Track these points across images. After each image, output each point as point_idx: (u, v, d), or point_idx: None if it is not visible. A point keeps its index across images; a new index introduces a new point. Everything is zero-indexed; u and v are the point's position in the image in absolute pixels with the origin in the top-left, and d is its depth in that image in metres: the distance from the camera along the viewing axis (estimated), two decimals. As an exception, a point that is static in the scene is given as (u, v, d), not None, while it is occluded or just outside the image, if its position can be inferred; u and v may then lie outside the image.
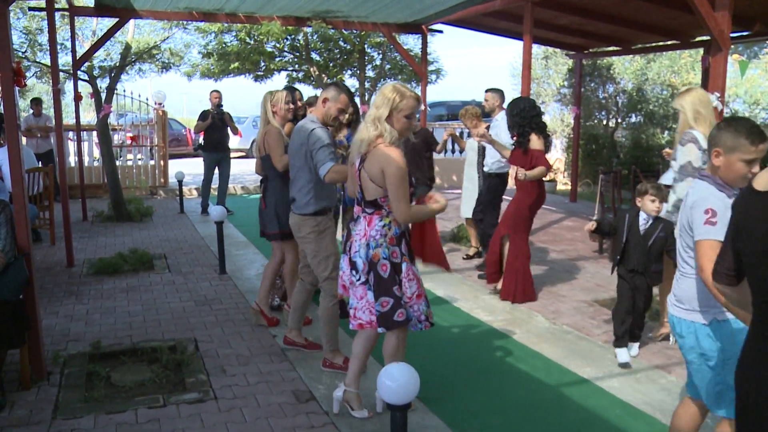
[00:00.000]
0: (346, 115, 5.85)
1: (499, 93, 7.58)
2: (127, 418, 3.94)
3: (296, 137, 4.49)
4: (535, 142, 6.09)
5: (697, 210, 2.83)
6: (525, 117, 6.15)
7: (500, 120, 7.21)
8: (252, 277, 7.18)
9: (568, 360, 4.96)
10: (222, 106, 10.93)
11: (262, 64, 15.14)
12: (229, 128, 11.01)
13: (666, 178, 5.64)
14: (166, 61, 14.89)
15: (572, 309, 6.18)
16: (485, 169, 7.52)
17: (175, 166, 14.66)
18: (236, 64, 14.86)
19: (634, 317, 4.95)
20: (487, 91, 7.61)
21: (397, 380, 2.70)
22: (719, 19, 6.40)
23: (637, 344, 5.11)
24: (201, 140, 11.18)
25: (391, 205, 3.58)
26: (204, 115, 10.86)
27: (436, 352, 5.13)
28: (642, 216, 4.92)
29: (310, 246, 4.54)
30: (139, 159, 14.24)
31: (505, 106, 7.29)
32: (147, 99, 14.99)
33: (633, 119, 17.92)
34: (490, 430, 3.91)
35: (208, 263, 7.78)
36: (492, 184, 7.45)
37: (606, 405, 4.25)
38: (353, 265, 3.73)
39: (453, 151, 15.72)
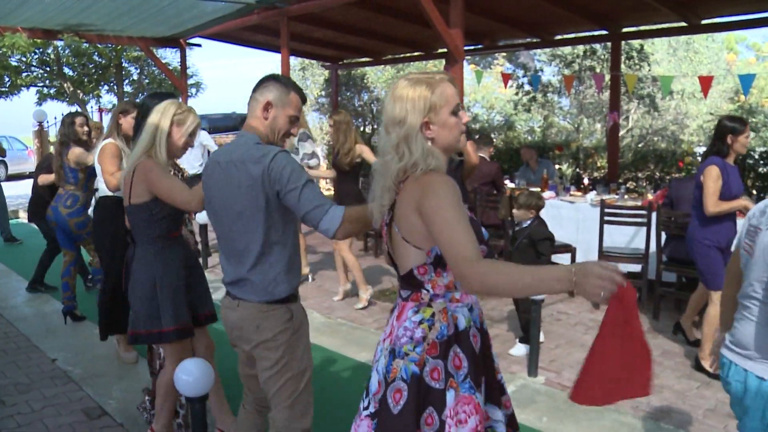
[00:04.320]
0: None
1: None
2: None
3: (234, 173, 2.64)
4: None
5: None
6: None
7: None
8: (19, 305, 6.84)
9: (345, 348, 5.43)
10: None
11: (7, 79, 14.13)
12: None
13: None
14: None
15: (344, 303, 6.71)
16: (191, 171, 8.37)
17: None
18: (-25, 80, 13.78)
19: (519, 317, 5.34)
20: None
21: (192, 374, 2.88)
22: (454, 35, 7.25)
23: (523, 346, 5.20)
24: None
25: (451, 264, 1.98)
26: None
27: (224, 352, 5.33)
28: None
29: (275, 353, 2.71)
30: None
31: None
32: None
33: (388, 125, 19.16)
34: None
35: (-34, 295, 7.26)
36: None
37: (382, 383, 4.75)
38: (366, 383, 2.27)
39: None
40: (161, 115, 3.34)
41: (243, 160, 2.60)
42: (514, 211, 5.46)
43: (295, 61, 20.39)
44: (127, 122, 4.70)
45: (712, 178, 4.61)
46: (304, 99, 2.79)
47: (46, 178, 7.07)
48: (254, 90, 2.74)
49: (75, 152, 5.80)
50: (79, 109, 14.23)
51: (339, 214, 2.52)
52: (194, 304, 3.56)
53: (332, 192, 7.41)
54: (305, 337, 2.81)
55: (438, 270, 2.12)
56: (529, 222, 5.39)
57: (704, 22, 9.42)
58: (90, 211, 7.63)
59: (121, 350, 5.16)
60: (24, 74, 14.51)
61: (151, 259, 3.35)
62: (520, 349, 5.23)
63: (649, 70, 15.33)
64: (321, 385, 4.71)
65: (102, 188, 5.09)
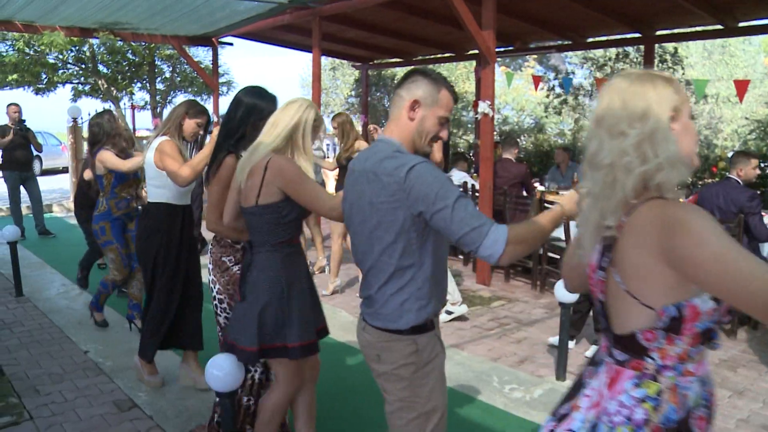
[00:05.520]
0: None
1: None
2: (-63, 447, 3.82)
3: (367, 186, 2.34)
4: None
5: None
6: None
7: None
8: (53, 297, 6.96)
9: (373, 347, 5.43)
10: (25, 121, 9.82)
11: (44, 76, 14.40)
12: (32, 145, 10.00)
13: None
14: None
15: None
16: None
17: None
18: (14, 76, 13.99)
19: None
20: None
21: (223, 369, 2.90)
22: (486, 36, 7.24)
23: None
24: None
25: (759, 315, 1.44)
26: (2, 131, 9.69)
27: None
28: None
29: (396, 387, 2.43)
30: None
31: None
32: None
33: (417, 125, 19.19)
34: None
35: (2, 287, 7.40)
36: None
37: (409, 382, 4.75)
38: None
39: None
40: (302, 113, 3.02)
41: (376, 171, 2.29)
42: None
43: (325, 61, 20.48)
44: (189, 125, 4.33)
45: None
46: (455, 97, 2.44)
47: (88, 173, 6.82)
48: (399, 86, 2.41)
49: (102, 156, 5.30)
50: (113, 106, 14.47)
51: (502, 236, 2.13)
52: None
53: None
54: (436, 373, 2.42)
55: (670, 336, 1.62)
56: None
57: (741, 24, 9.29)
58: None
59: (144, 373, 4.66)
60: (60, 71, 14.75)
61: (278, 266, 3.01)
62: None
63: (683, 74, 15.16)
64: (347, 387, 4.75)
65: (155, 192, 4.38)
